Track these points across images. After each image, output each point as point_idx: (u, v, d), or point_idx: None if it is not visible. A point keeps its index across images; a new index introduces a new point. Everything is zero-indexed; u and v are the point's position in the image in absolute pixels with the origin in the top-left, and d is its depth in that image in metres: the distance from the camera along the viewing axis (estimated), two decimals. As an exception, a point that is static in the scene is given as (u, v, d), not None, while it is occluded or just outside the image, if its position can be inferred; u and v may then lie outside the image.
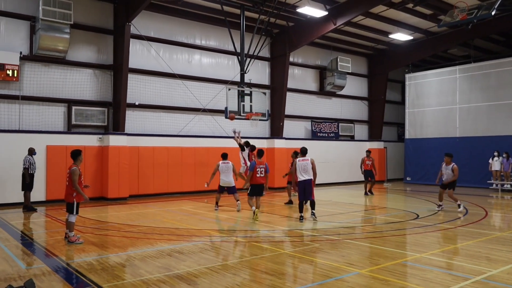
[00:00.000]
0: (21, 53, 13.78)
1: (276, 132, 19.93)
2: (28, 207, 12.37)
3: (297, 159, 10.65)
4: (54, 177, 13.92)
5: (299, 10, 16.84)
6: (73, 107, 14.79)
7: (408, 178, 23.27)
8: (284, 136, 20.02)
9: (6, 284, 5.18)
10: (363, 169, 16.68)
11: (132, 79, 15.94)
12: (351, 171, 22.24)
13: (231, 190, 12.36)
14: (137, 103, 16.16)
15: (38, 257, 7.16)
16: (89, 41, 15.37)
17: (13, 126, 13.81)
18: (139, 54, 16.37)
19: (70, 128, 14.84)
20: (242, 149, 13.88)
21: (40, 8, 13.45)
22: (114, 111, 15.49)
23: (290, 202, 13.57)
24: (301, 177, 10.37)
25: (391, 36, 20.67)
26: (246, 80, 15.21)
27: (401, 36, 20.58)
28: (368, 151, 17.22)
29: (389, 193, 18.10)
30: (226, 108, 14.12)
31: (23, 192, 12.45)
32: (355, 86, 24.07)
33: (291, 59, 20.09)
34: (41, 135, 14.02)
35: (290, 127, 20.87)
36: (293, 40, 19.13)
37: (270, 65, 20.32)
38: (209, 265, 6.35)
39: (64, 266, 6.47)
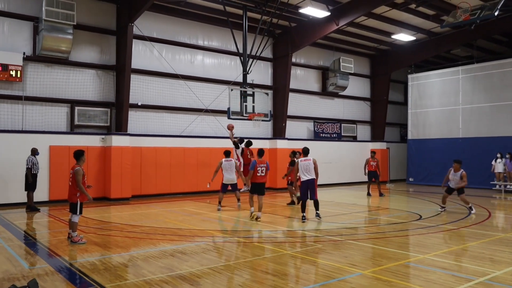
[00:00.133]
0: (24, 53, 13.84)
1: (278, 132, 19.93)
2: (31, 207, 12.41)
3: (299, 159, 10.67)
4: (57, 177, 13.96)
5: (302, 10, 16.85)
6: (76, 108, 14.84)
7: (410, 179, 23.21)
8: (286, 136, 20.01)
9: (10, 284, 5.20)
10: (366, 170, 16.52)
11: (134, 79, 16.00)
12: (353, 172, 22.25)
13: (234, 187, 12.56)
14: (139, 104, 16.20)
15: (41, 257, 7.18)
16: (92, 42, 15.42)
17: (16, 126, 13.86)
18: (142, 55, 16.40)
19: (73, 129, 14.88)
20: (237, 147, 13.50)
21: (43, 9, 13.51)
22: (117, 112, 15.53)
23: (292, 202, 13.55)
24: (304, 177, 10.39)
25: (393, 36, 20.64)
26: (249, 80, 15.20)
27: (403, 37, 20.55)
28: (373, 152, 16.97)
29: (392, 194, 18.05)
30: (228, 108, 14.10)
31: (26, 192, 12.51)
32: (358, 86, 24.03)
33: (293, 60, 20.08)
34: (44, 135, 14.06)
35: (292, 127, 20.87)
36: (295, 41, 19.13)
37: (272, 66, 20.33)
38: (212, 266, 6.35)
39: (67, 266, 6.49)
